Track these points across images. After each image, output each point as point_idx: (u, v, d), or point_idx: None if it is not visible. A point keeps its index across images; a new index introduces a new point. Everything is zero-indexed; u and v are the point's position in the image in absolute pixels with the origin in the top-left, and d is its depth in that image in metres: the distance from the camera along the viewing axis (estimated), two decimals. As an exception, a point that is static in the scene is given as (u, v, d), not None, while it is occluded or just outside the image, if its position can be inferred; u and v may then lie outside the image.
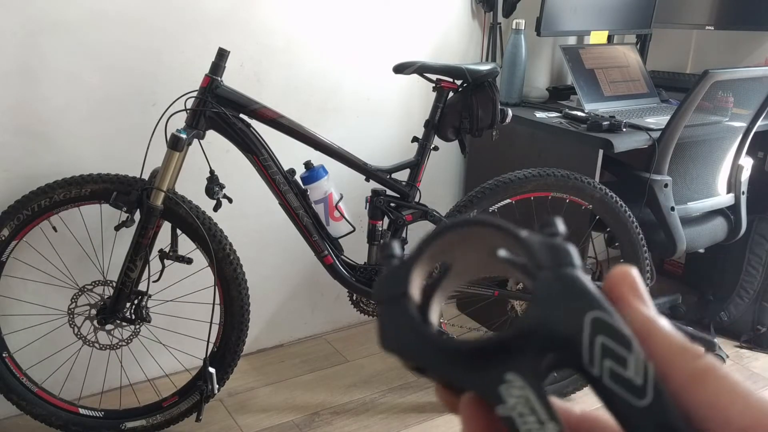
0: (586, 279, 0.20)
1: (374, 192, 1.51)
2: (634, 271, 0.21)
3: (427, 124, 1.51)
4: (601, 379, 0.19)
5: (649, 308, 0.21)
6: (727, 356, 1.95)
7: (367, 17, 1.80)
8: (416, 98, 1.94)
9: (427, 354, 0.21)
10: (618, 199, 1.58)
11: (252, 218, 1.75)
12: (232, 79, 1.39)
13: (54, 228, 1.46)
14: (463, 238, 0.23)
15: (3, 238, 1.35)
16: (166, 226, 1.41)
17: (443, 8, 1.93)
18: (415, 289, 0.23)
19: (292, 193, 1.44)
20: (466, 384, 0.20)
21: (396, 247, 0.24)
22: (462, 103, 1.48)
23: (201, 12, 1.56)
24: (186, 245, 1.42)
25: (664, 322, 0.20)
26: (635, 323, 0.20)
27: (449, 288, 0.25)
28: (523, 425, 0.19)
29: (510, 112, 1.53)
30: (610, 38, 2.19)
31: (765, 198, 2.03)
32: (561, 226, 0.22)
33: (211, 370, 1.45)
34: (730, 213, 1.88)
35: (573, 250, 0.21)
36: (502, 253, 0.23)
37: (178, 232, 1.42)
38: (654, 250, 1.71)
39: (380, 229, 1.53)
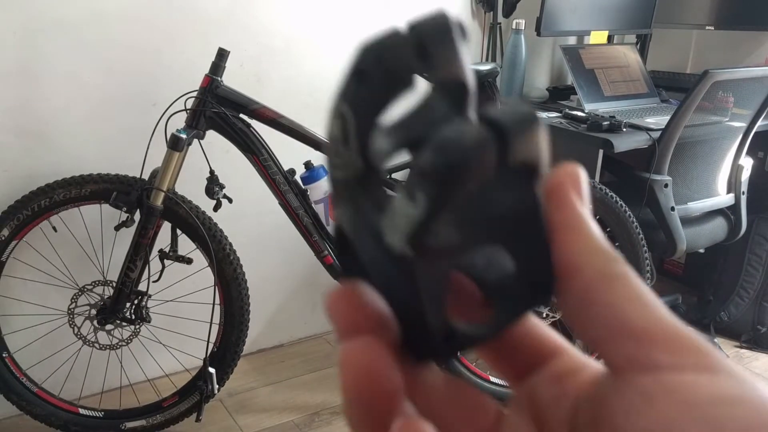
0: None
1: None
2: (582, 171, 0.21)
3: (427, 124, 1.50)
4: None
5: (584, 207, 0.21)
6: (727, 356, 1.95)
7: (368, 17, 1.80)
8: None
9: None
10: (618, 199, 1.58)
11: (252, 218, 1.74)
12: (232, 79, 1.39)
13: (54, 228, 1.45)
14: None
15: (3, 238, 1.35)
16: (166, 227, 1.41)
17: (443, 8, 1.92)
18: None
19: (292, 193, 1.44)
20: None
21: None
22: (462, 103, 1.48)
23: (201, 12, 1.56)
24: (186, 245, 1.42)
25: (595, 225, 0.20)
26: (566, 214, 0.20)
27: None
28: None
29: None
30: (610, 38, 2.19)
31: (765, 198, 2.03)
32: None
33: (211, 370, 1.45)
34: (730, 213, 1.87)
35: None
36: None
37: (178, 232, 1.42)
38: (654, 250, 1.71)
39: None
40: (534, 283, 0.20)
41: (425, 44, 0.19)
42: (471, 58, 1.96)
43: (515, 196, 0.19)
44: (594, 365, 0.22)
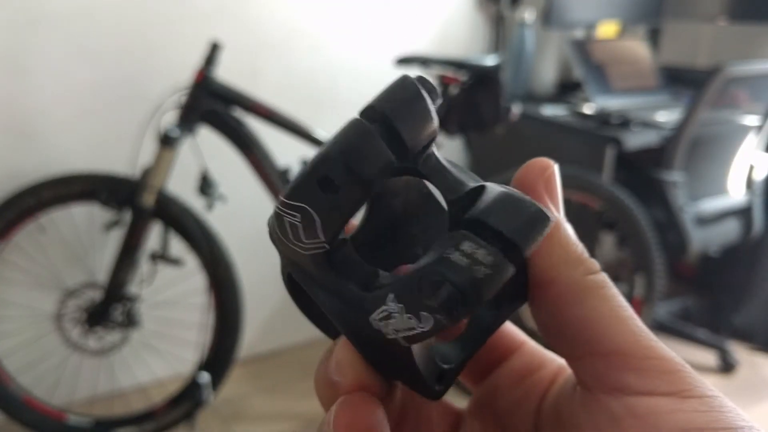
0: None
1: (374, 191, 1.47)
2: (555, 167, 0.20)
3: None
4: None
5: (558, 210, 0.20)
6: (737, 361, 1.89)
7: (367, 9, 1.75)
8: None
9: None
10: (628, 198, 1.53)
11: (246, 218, 1.70)
12: (225, 73, 1.35)
13: (42, 228, 1.41)
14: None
15: (-12, 239, 1.31)
16: (157, 227, 1.37)
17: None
18: None
19: (289, 193, 1.40)
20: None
21: None
22: (466, 98, 1.44)
23: (194, 4, 1.51)
24: (178, 246, 1.38)
25: (569, 229, 0.20)
26: None
27: None
28: None
29: (517, 109, 1.47)
30: (619, 32, 2.14)
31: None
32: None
33: (205, 376, 1.40)
34: (743, 213, 1.83)
35: None
36: None
37: (170, 232, 1.38)
38: (664, 251, 1.67)
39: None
40: (508, 294, 0.20)
41: (397, 129, 0.18)
42: (470, 53, 1.88)
43: None
44: (556, 360, 0.22)
